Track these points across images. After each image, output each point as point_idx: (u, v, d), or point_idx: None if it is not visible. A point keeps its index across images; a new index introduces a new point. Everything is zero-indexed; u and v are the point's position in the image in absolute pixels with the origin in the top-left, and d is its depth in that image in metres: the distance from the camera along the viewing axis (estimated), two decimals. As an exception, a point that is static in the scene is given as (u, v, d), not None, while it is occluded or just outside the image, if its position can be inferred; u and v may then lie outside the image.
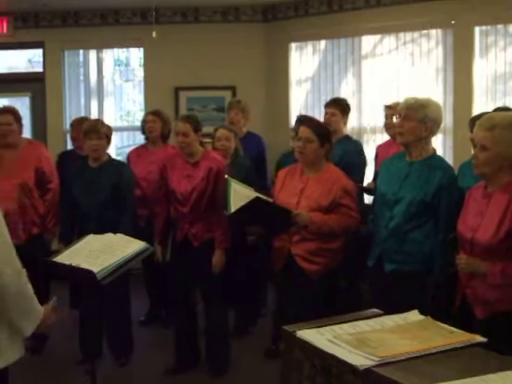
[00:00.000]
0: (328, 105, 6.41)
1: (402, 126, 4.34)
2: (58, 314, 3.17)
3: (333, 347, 2.60)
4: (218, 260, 5.25)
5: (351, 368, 2.46)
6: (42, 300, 6.07)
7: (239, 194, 4.81)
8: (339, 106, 6.32)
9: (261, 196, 4.72)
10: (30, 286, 2.93)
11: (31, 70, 9.56)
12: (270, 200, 4.83)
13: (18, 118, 5.95)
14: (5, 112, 5.89)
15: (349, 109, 6.46)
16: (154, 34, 6.27)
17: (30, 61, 9.94)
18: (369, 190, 5.87)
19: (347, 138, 6.37)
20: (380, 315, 3.02)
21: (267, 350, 5.76)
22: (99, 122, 5.97)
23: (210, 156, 5.37)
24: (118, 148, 9.15)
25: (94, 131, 5.51)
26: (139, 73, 9.36)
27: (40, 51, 9.06)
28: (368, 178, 6.41)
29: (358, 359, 2.48)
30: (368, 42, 7.85)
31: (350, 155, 5.99)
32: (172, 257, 5.48)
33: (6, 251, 2.85)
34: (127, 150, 8.34)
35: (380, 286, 4.44)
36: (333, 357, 2.54)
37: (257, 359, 5.72)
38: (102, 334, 5.65)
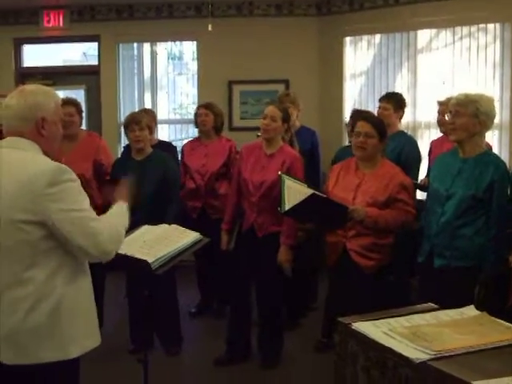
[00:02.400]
0: (381, 99, 6.36)
1: (453, 122, 4.30)
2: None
3: (388, 340, 2.59)
4: (283, 256, 5.22)
5: (407, 361, 2.46)
6: (97, 290, 6.19)
7: (293, 191, 4.78)
8: (391, 101, 6.26)
9: (317, 192, 4.70)
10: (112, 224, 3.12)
11: (86, 63, 9.67)
12: (326, 196, 4.81)
13: (79, 109, 6.05)
14: (67, 103, 5.96)
15: (403, 104, 6.37)
16: (209, 28, 6.28)
17: (84, 54, 10.06)
18: (422, 187, 5.81)
19: (401, 133, 6.31)
20: (435, 309, 3.00)
21: (317, 343, 5.76)
22: (142, 112, 5.98)
23: (285, 150, 5.35)
24: (171, 141, 9.21)
25: (135, 122, 5.54)
26: (192, 66, 9.40)
27: (94, 44, 9.18)
28: (422, 173, 6.34)
29: (414, 352, 2.47)
30: (424, 36, 7.75)
31: (406, 151, 5.95)
32: (236, 246, 5.51)
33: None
34: (180, 143, 8.41)
35: (429, 281, 4.41)
36: (388, 349, 2.54)
37: (307, 352, 5.72)
38: (153, 324, 5.71)
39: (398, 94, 6.58)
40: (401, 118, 6.34)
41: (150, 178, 5.48)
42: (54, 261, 2.86)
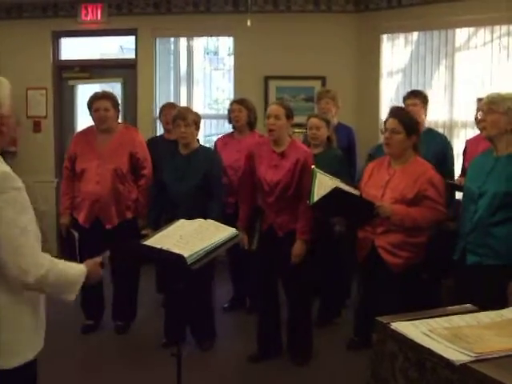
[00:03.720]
0: (407, 97, 6.33)
1: (485, 120, 4.34)
2: (103, 267, 3.14)
3: (428, 341, 2.57)
4: (297, 250, 5.21)
5: (447, 362, 2.43)
6: (131, 284, 6.20)
7: (323, 185, 4.79)
8: (418, 97, 6.24)
9: (341, 187, 4.69)
10: (58, 272, 2.80)
11: (123, 57, 9.71)
12: (352, 191, 4.80)
13: (115, 103, 6.05)
14: (103, 97, 5.99)
15: (428, 100, 6.35)
16: (248, 23, 6.25)
17: (121, 47, 10.11)
18: (458, 187, 5.77)
19: (430, 130, 6.29)
20: (475, 311, 2.97)
21: (349, 341, 5.74)
22: (188, 109, 6.03)
23: (296, 146, 5.33)
24: (206, 136, 9.22)
25: (182, 118, 5.57)
26: (228, 61, 9.41)
27: (131, 38, 9.20)
28: (456, 172, 6.30)
29: (455, 354, 2.44)
30: (462, 34, 7.69)
31: (444, 149, 5.93)
32: (258, 245, 5.49)
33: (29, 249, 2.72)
34: (214, 138, 8.42)
35: (463, 278, 4.40)
36: (428, 350, 2.51)
37: (339, 350, 5.71)
38: (187, 318, 5.73)
39: (422, 91, 6.56)
40: (426, 115, 6.31)
41: (194, 172, 5.54)
42: None
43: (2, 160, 2.76)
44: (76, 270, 2.94)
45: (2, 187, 2.63)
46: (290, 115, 5.30)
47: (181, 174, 5.57)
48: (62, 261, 2.88)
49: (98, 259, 3.14)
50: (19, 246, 2.65)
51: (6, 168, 2.71)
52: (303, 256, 5.24)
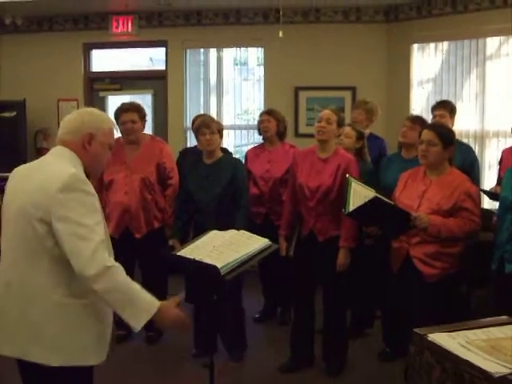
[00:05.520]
0: (436, 107, 6.29)
1: None
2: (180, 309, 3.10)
3: (466, 352, 2.55)
4: (341, 259, 5.20)
5: (485, 375, 2.42)
6: (160, 293, 6.21)
7: (359, 194, 4.78)
8: (447, 108, 6.20)
9: (380, 196, 4.68)
10: (123, 280, 2.89)
11: (153, 68, 9.77)
12: (390, 201, 4.78)
13: (141, 115, 6.08)
14: (129, 110, 6.02)
15: (456, 111, 6.30)
16: (280, 34, 6.27)
17: (151, 59, 10.17)
18: (493, 195, 5.73)
19: (456, 141, 6.24)
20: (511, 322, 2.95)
21: (381, 352, 5.71)
22: (210, 117, 6.06)
23: (340, 153, 5.33)
24: (236, 146, 9.24)
25: (206, 126, 5.58)
26: (257, 72, 9.42)
27: (160, 49, 9.27)
28: (491, 182, 6.26)
29: (493, 366, 2.43)
30: (492, 43, 7.65)
31: (470, 159, 5.90)
32: (296, 252, 5.48)
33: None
34: (244, 149, 8.43)
35: (502, 288, 4.40)
36: (466, 362, 2.49)
37: (371, 361, 5.68)
38: (218, 329, 5.73)
39: (450, 101, 6.52)
40: (452, 125, 6.27)
41: (217, 181, 5.55)
42: (60, 266, 2.87)
43: (82, 170, 3.02)
44: (146, 295, 2.97)
45: (72, 186, 2.85)
46: (340, 124, 5.34)
47: (205, 183, 5.59)
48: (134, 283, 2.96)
49: (176, 298, 3.16)
50: (78, 251, 2.80)
51: (82, 174, 2.95)
52: (348, 264, 5.23)
